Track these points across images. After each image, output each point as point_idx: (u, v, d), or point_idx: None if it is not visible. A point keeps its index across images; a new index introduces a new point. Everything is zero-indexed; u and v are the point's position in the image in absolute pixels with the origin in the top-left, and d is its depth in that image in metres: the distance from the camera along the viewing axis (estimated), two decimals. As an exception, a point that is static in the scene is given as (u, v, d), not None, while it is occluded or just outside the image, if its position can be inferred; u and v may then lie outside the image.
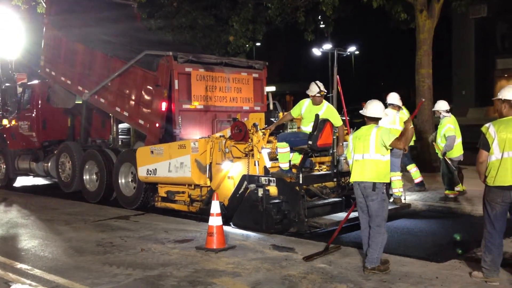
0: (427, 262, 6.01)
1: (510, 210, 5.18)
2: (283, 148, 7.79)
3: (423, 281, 5.32)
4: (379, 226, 5.61)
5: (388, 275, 5.47)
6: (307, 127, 7.88)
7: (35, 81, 13.50)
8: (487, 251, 5.23)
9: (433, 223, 8.53)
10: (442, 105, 9.97)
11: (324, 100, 7.90)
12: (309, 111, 7.87)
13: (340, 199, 8.04)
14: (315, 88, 7.74)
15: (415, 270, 5.70)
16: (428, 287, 5.16)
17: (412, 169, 10.62)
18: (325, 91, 7.82)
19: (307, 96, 7.94)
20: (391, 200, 8.91)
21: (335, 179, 8.12)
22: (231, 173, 8.45)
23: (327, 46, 35.52)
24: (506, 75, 37.63)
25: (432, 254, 6.37)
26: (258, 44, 26.84)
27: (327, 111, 7.80)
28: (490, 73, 37.89)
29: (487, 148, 5.13)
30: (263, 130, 8.14)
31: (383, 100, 9.52)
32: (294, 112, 8.06)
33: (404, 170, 10.33)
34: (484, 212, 5.28)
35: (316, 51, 36.99)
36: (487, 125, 5.20)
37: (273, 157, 8.14)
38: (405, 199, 9.12)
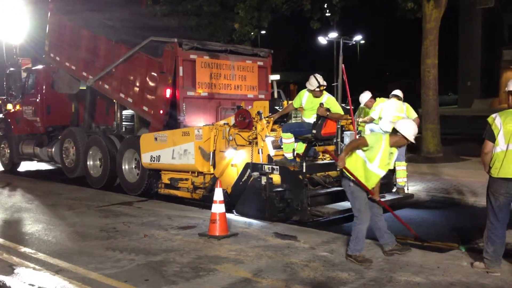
0: (429, 251, 6.01)
1: (513, 201, 5.17)
2: (287, 139, 7.78)
3: (424, 271, 5.33)
4: (355, 217, 5.69)
5: (370, 268, 5.42)
6: (310, 119, 7.86)
7: (40, 66, 13.49)
8: (489, 242, 5.23)
9: (435, 214, 8.55)
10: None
11: (324, 91, 7.83)
12: (310, 102, 7.82)
13: (343, 188, 8.02)
14: (314, 83, 7.64)
15: (416, 259, 5.71)
16: (429, 276, 5.17)
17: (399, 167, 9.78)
18: (325, 84, 7.71)
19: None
20: (394, 190, 8.91)
21: (338, 169, 8.10)
22: (234, 160, 8.46)
23: (333, 35, 35.29)
24: (511, 66, 37.39)
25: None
26: (263, 32, 26.70)
27: (328, 102, 7.75)
28: (496, 64, 37.67)
29: (493, 139, 5.11)
30: (267, 118, 8.13)
31: (387, 90, 9.58)
32: (295, 102, 8.04)
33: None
34: (488, 203, 5.28)
35: (322, 40, 36.78)
36: (493, 115, 5.17)
37: (277, 146, 8.14)
38: (408, 189, 9.12)
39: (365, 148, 5.48)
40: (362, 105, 9.81)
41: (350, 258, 5.65)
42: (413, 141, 5.49)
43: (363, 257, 5.64)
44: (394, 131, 5.48)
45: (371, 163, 5.52)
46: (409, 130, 5.40)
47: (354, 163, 5.57)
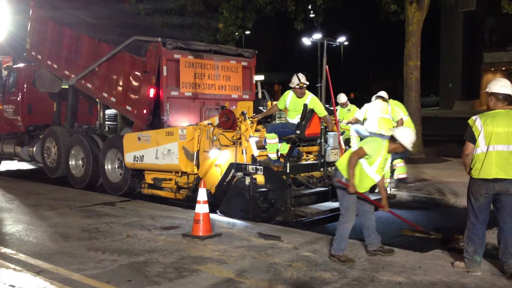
0: (410, 251, 6.08)
1: (493, 202, 5.25)
2: (271, 139, 7.79)
3: (406, 270, 5.39)
4: (342, 215, 5.79)
5: (353, 267, 5.49)
6: (294, 120, 7.88)
7: (21, 64, 13.31)
8: (469, 242, 5.30)
9: (417, 214, 8.64)
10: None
11: (307, 92, 7.86)
12: (294, 103, 7.85)
13: (327, 188, 8.07)
14: (295, 80, 7.69)
15: (398, 259, 5.77)
16: (411, 276, 5.23)
17: (399, 163, 10.25)
18: (306, 83, 7.73)
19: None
20: (376, 190, 8.99)
21: (322, 169, 8.17)
22: (218, 161, 8.45)
23: (317, 36, 35.47)
24: (492, 69, 38.03)
25: (415, 244, 6.45)
26: (247, 32, 26.73)
27: (312, 102, 7.78)
28: (477, 66, 38.27)
29: (473, 140, 5.18)
30: (251, 119, 8.13)
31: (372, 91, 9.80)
32: (280, 103, 8.06)
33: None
34: (468, 204, 5.35)
35: (306, 41, 36.95)
36: (474, 117, 5.24)
37: (261, 146, 8.15)
38: (390, 189, 9.21)
39: (366, 156, 5.60)
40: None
41: (333, 257, 5.70)
42: (411, 149, 5.68)
43: (346, 257, 5.69)
44: (393, 139, 5.62)
45: (370, 166, 5.64)
46: (408, 139, 5.57)
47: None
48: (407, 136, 5.59)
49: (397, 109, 9.74)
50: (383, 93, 9.72)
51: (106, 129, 11.41)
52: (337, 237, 5.72)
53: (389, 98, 9.90)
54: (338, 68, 44.68)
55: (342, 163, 5.76)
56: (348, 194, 5.67)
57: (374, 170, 5.65)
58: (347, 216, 5.71)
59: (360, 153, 5.56)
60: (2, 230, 7.36)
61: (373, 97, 10.16)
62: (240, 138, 8.11)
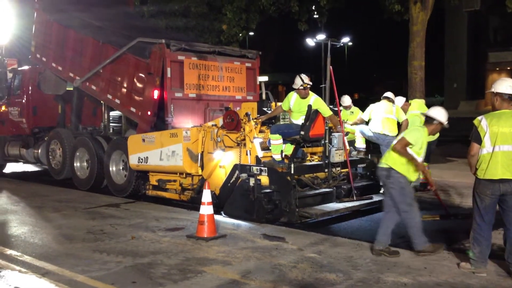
0: (416, 252, 6.05)
1: (499, 202, 5.23)
2: (276, 140, 7.79)
3: (412, 271, 5.37)
4: (406, 212, 5.81)
5: (357, 269, 5.46)
6: (298, 121, 7.88)
7: (26, 67, 13.36)
8: (475, 243, 5.28)
9: (422, 215, 8.59)
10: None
11: (311, 93, 7.85)
12: (298, 104, 7.85)
13: (331, 189, 8.07)
14: (298, 81, 7.71)
15: (403, 260, 5.75)
16: (417, 277, 5.21)
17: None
18: (309, 83, 7.72)
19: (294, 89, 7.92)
20: (382, 191, 8.97)
21: (326, 170, 8.15)
22: (222, 162, 8.44)
23: (321, 37, 35.47)
24: (497, 69, 37.90)
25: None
26: (251, 33, 26.76)
27: (315, 103, 7.78)
28: (482, 66, 38.15)
29: (479, 141, 5.16)
30: (255, 120, 8.13)
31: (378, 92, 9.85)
32: (284, 105, 8.07)
33: None
34: (474, 204, 5.33)
35: (310, 42, 36.95)
36: (479, 118, 5.22)
37: (265, 147, 8.14)
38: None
39: (411, 146, 5.74)
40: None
41: (422, 252, 5.78)
42: (447, 125, 5.84)
43: (431, 246, 5.80)
44: (430, 120, 5.79)
45: (419, 157, 5.81)
46: (444, 115, 5.79)
47: (400, 158, 5.76)
48: (442, 113, 5.79)
49: (417, 113, 9.77)
50: (389, 94, 9.83)
51: (111, 130, 11.42)
52: (415, 234, 5.76)
53: (408, 100, 10.07)
54: (342, 69, 44.63)
55: (392, 158, 5.82)
56: (408, 189, 5.79)
57: (421, 160, 5.85)
58: (414, 211, 5.80)
59: (403, 143, 5.71)
60: (8, 232, 7.39)
61: (398, 100, 10.16)
62: (244, 139, 8.11)
